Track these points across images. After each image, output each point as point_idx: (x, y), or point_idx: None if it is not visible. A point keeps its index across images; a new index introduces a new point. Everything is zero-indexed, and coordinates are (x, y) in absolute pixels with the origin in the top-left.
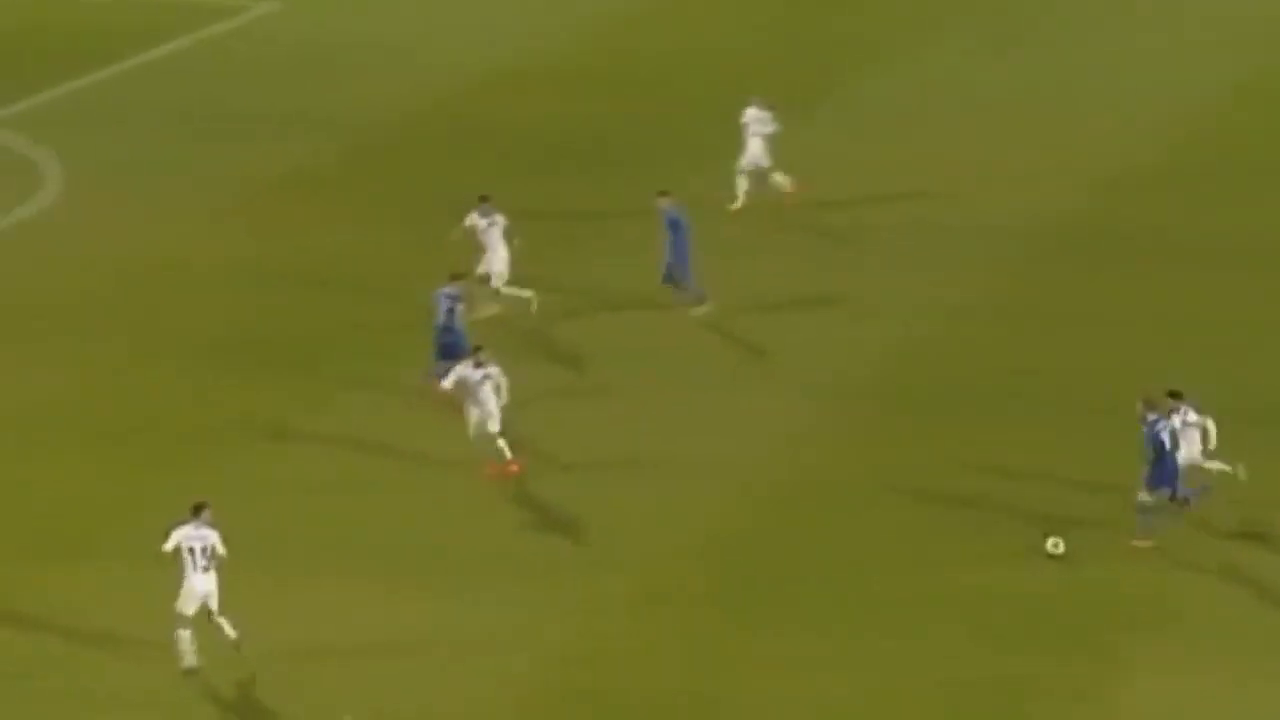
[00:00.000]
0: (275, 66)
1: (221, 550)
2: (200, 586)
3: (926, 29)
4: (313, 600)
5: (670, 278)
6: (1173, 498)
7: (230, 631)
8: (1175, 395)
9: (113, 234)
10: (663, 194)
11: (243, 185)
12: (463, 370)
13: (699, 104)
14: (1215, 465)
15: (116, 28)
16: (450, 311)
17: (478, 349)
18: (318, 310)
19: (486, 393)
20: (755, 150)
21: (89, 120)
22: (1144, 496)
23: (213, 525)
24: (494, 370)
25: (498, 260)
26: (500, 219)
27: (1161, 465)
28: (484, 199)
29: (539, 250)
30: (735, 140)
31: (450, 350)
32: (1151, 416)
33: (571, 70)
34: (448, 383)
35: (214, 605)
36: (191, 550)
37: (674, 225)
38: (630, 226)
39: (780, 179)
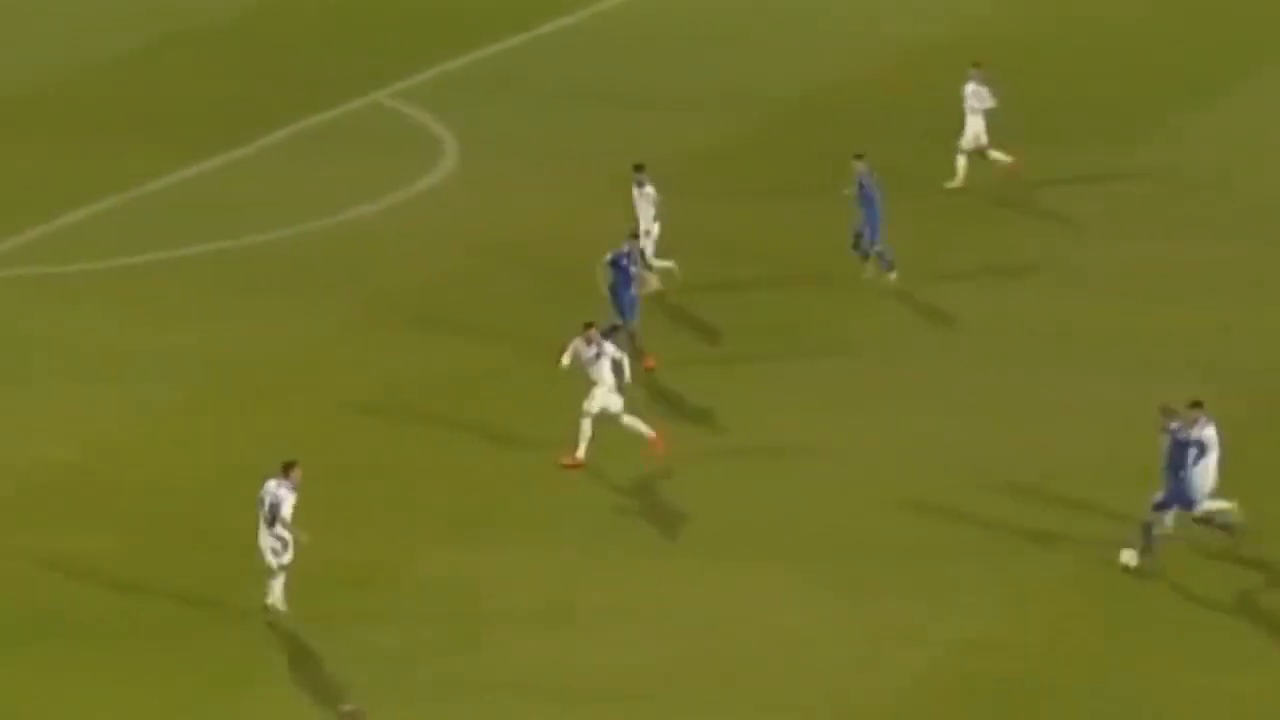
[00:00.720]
0: (673, 39)
1: (285, 512)
2: (260, 540)
3: None
4: (719, 588)
5: (860, 243)
6: (1193, 514)
7: (273, 596)
8: (1196, 405)
9: (505, 208)
10: (858, 157)
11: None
12: (577, 344)
13: (1120, 80)
14: (1215, 505)
15: (518, 0)
16: (626, 271)
17: (588, 325)
18: (711, 289)
19: (603, 371)
20: (976, 127)
21: (488, 93)
22: (1152, 516)
23: (294, 488)
24: (609, 348)
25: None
26: (650, 190)
27: (1177, 481)
28: (639, 167)
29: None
30: (1151, 123)
31: (622, 310)
32: (1173, 425)
33: (994, 42)
34: (565, 357)
35: (270, 561)
36: (261, 502)
37: (867, 190)
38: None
39: (998, 155)
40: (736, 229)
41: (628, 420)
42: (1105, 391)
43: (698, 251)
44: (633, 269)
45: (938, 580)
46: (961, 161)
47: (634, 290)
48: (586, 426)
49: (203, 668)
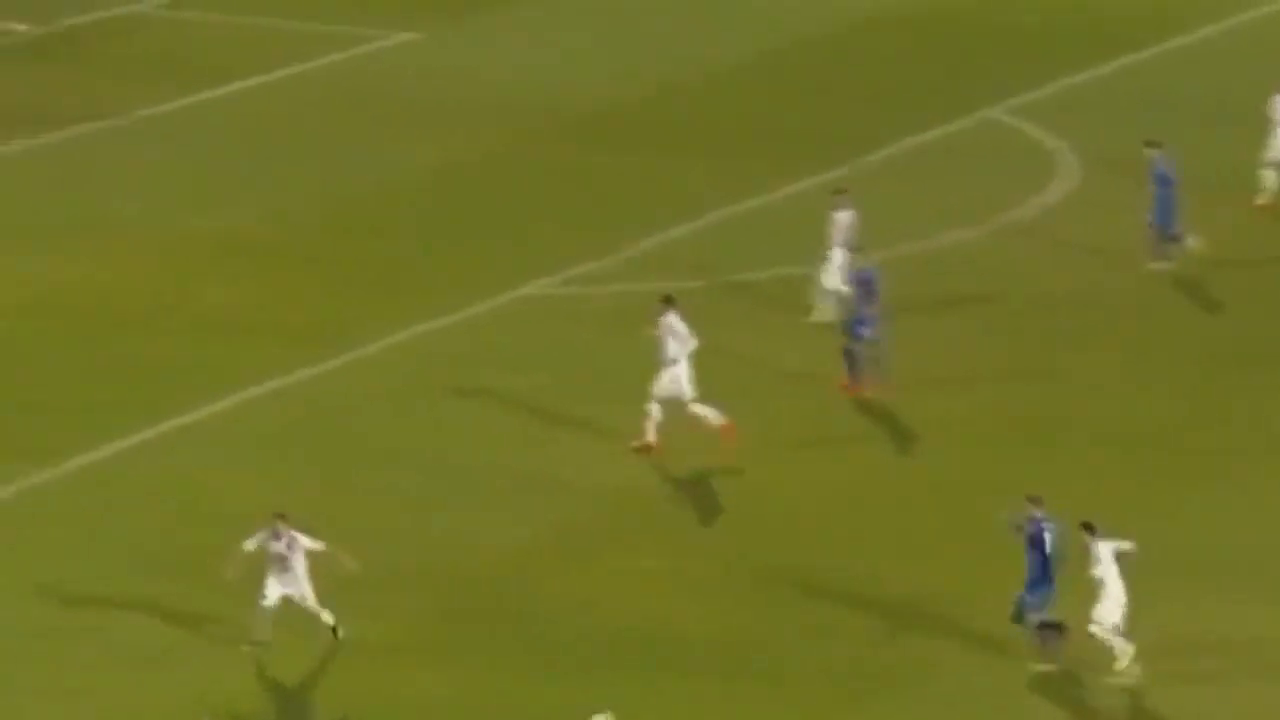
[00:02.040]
0: None
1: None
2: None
3: None
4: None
5: (1160, 231)
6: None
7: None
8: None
9: (1117, 230)
10: (1151, 144)
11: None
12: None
13: None
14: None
15: (1141, 14)
16: (865, 286)
17: (668, 298)
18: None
19: (668, 348)
20: None
21: (1118, 109)
22: (1034, 615)
23: (279, 535)
24: (672, 319)
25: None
26: (845, 215)
27: (1041, 573)
28: (838, 191)
29: None
30: None
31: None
32: (1038, 514)
33: None
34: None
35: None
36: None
37: (1162, 178)
38: None
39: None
40: None
41: (695, 409)
42: None
43: None
44: (857, 283)
45: None
46: (1270, 176)
47: (868, 310)
48: (654, 410)
49: (798, 696)
